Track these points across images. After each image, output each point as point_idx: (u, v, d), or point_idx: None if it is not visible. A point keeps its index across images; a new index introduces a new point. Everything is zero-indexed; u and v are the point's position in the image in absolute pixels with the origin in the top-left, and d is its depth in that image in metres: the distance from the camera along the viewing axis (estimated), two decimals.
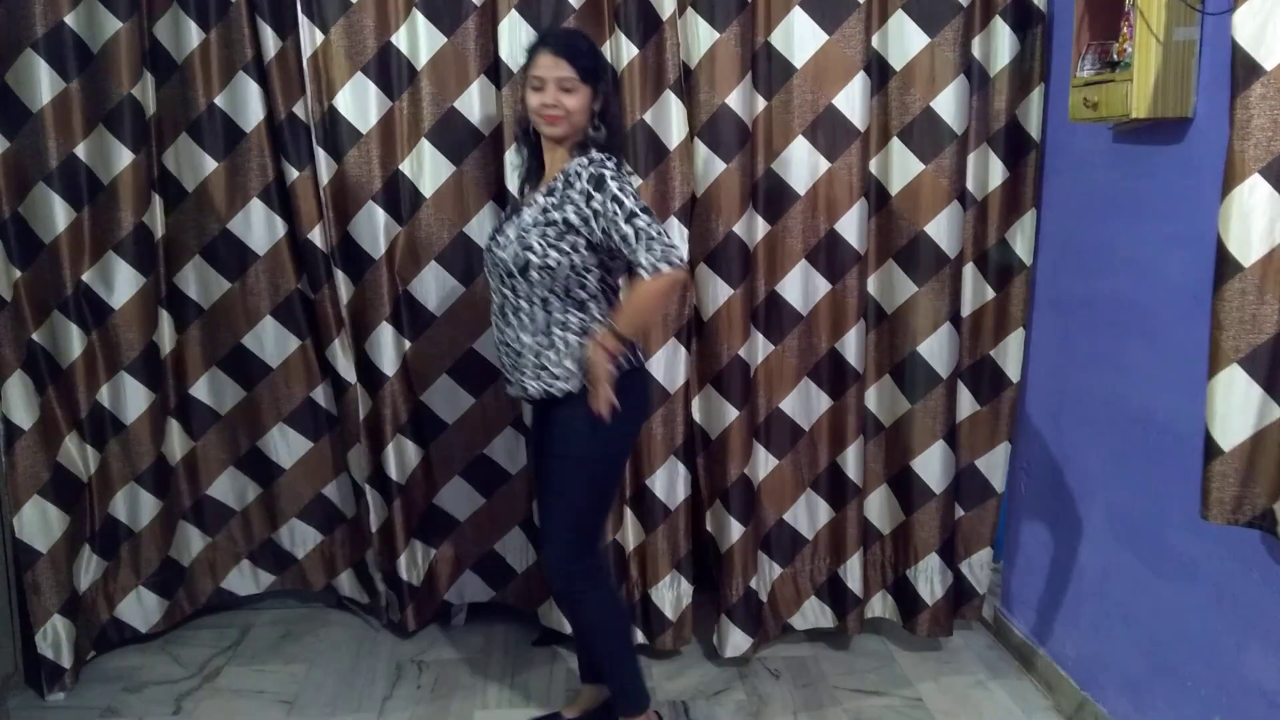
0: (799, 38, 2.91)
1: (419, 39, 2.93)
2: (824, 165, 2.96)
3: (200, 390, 3.22)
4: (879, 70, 2.97)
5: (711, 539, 3.13)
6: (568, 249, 2.32)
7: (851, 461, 3.11)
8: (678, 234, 2.89)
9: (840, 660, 3.17)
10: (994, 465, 3.21)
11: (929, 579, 3.16)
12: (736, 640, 3.07)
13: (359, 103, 2.94)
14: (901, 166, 3.01)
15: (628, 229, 2.23)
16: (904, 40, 2.95)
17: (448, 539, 3.26)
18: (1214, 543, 2.20)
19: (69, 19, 2.76)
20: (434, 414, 3.16)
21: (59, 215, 2.84)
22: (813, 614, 3.22)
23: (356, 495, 3.30)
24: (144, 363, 3.03)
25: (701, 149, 2.92)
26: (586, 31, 2.84)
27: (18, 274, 2.80)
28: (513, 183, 2.82)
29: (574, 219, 2.30)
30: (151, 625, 3.20)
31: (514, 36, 2.86)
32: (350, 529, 3.36)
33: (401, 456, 3.13)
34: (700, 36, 2.87)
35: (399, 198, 3.01)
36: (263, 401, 3.23)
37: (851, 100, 2.91)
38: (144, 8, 2.90)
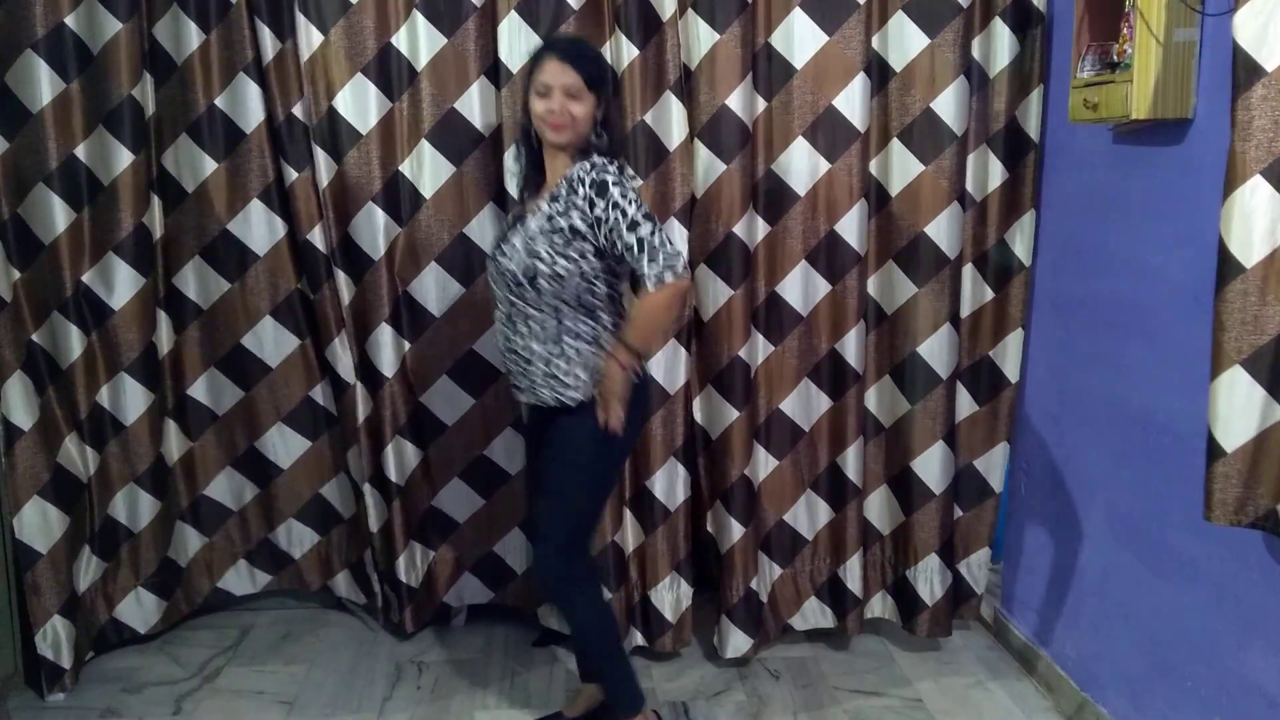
0: (799, 39, 2.91)
1: (419, 40, 2.93)
2: (824, 166, 2.96)
3: (198, 391, 3.23)
4: (879, 71, 2.98)
5: (712, 540, 3.13)
6: (576, 256, 2.32)
7: (851, 462, 3.11)
8: (678, 235, 2.89)
9: (840, 661, 3.18)
10: (992, 465, 3.22)
11: (929, 579, 3.16)
12: (737, 641, 3.07)
13: (359, 103, 2.94)
14: (901, 167, 3.01)
15: (630, 238, 2.24)
16: (904, 41, 2.95)
17: (447, 541, 3.26)
18: (1214, 543, 2.20)
19: (69, 20, 2.76)
20: (434, 415, 3.15)
21: (59, 216, 2.84)
22: (813, 614, 3.22)
23: (355, 495, 3.30)
24: (143, 363, 3.03)
25: (702, 150, 2.92)
26: (587, 32, 2.85)
27: (17, 275, 2.80)
28: (512, 185, 2.83)
29: (580, 225, 2.30)
30: (150, 626, 3.20)
31: (514, 38, 2.86)
32: (348, 529, 3.36)
33: (401, 458, 3.13)
34: (700, 37, 2.87)
35: (399, 199, 3.01)
36: (261, 401, 3.24)
37: (852, 101, 2.92)
38: (144, 9, 2.90)
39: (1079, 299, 2.83)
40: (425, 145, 2.98)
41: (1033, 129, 3.01)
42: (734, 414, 3.01)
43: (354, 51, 2.91)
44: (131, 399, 3.04)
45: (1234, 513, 1.85)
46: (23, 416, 2.80)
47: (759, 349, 3.06)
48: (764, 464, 3.13)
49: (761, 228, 2.99)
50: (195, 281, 3.14)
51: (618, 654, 2.64)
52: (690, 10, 2.86)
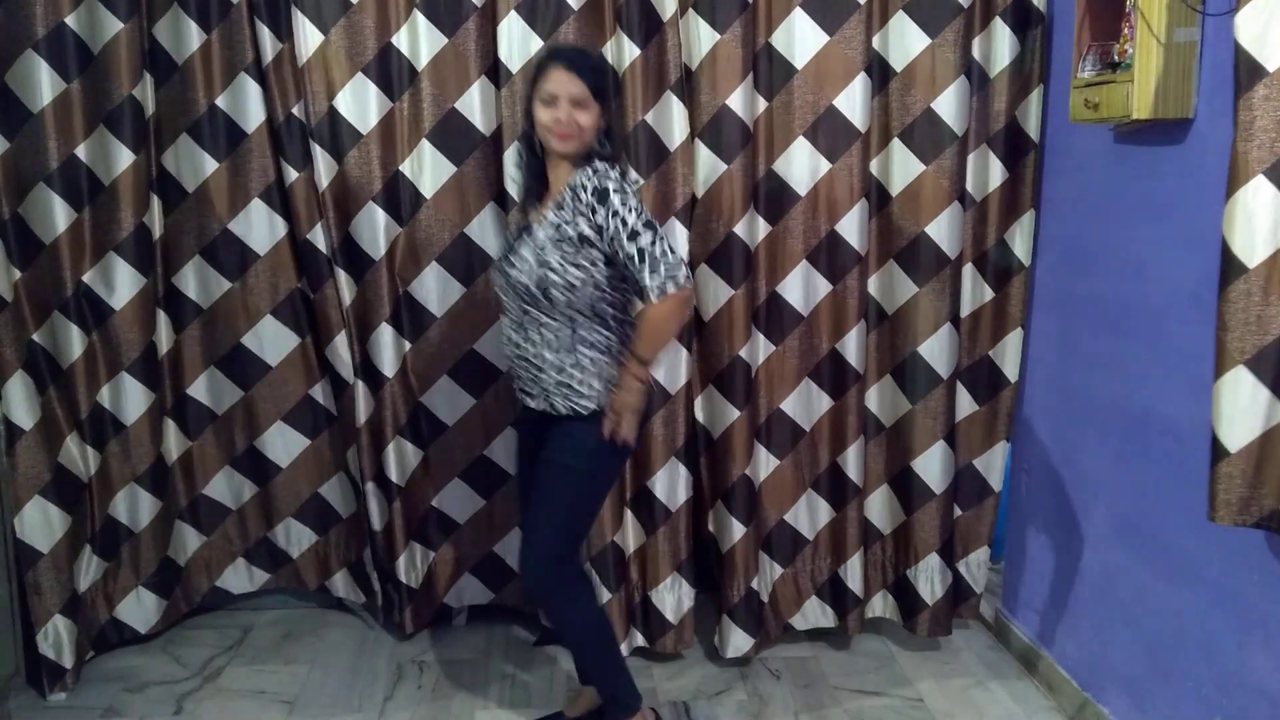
0: (800, 39, 2.91)
1: (419, 40, 2.93)
2: (825, 166, 2.96)
3: (198, 390, 3.23)
4: (880, 71, 2.98)
5: (713, 539, 3.13)
6: (587, 264, 2.31)
7: (852, 462, 3.11)
8: (679, 235, 2.89)
9: (841, 660, 3.18)
10: (992, 464, 3.23)
11: (929, 579, 3.16)
12: (738, 641, 3.07)
13: (359, 103, 2.94)
14: (902, 167, 3.01)
15: (631, 249, 2.23)
16: (905, 41, 2.95)
17: (447, 541, 3.26)
18: (1215, 543, 2.21)
19: (70, 20, 2.76)
20: (434, 415, 3.15)
21: (59, 216, 2.84)
22: (813, 614, 3.23)
23: (355, 494, 3.30)
24: (144, 363, 3.03)
25: (703, 150, 2.92)
26: (588, 32, 2.86)
27: (18, 274, 2.80)
28: (512, 186, 2.82)
29: (588, 231, 2.29)
30: (151, 626, 3.21)
31: (514, 38, 2.86)
32: (346, 529, 3.36)
33: (401, 458, 3.13)
34: (701, 37, 2.87)
35: (399, 198, 3.01)
36: (261, 400, 3.24)
37: (852, 101, 2.92)
38: (144, 8, 2.90)
39: (1080, 299, 2.83)
40: (426, 145, 2.98)
41: (1033, 129, 3.01)
42: (735, 414, 3.01)
43: (354, 51, 2.91)
44: (132, 399, 3.04)
45: (1238, 513, 1.85)
46: (24, 416, 2.80)
47: (760, 349, 3.06)
48: (765, 464, 3.13)
49: (762, 227, 2.99)
50: (195, 281, 3.15)
51: (612, 655, 2.63)
52: (691, 10, 2.87)
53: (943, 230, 2.99)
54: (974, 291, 3.12)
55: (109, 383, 3.01)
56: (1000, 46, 2.97)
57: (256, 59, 2.97)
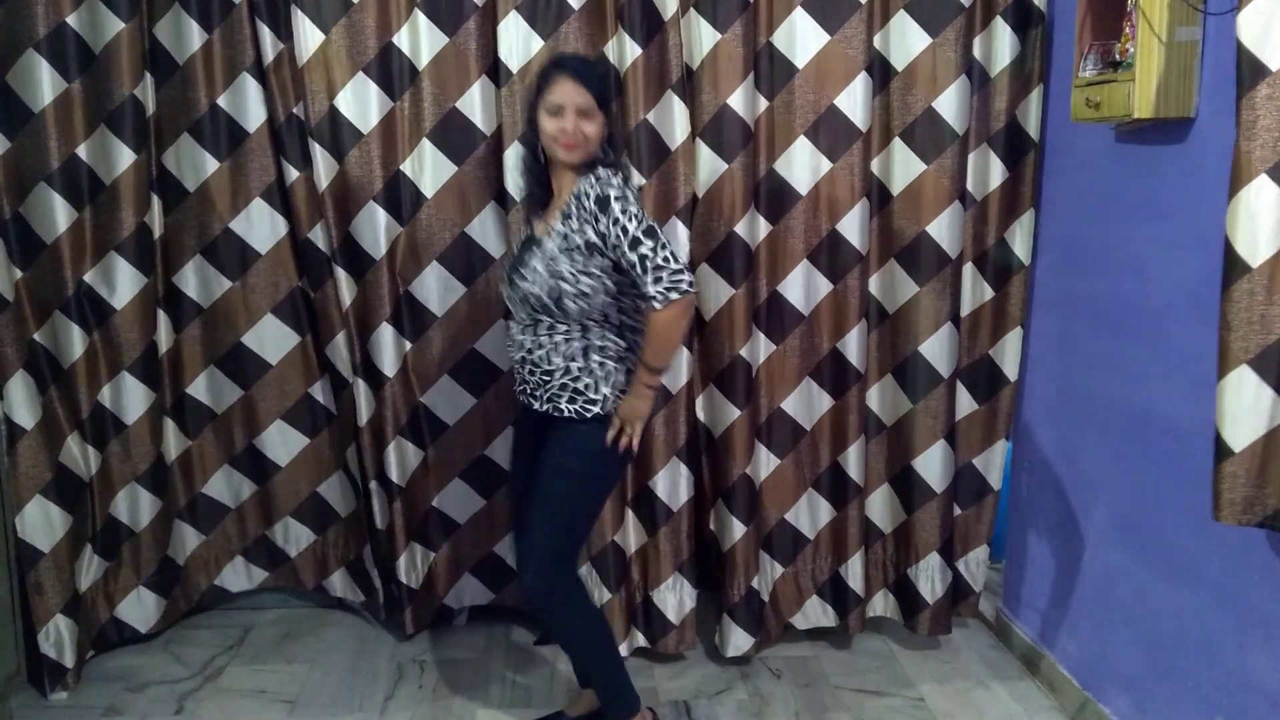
0: (801, 38, 2.91)
1: (420, 39, 2.93)
2: (825, 165, 2.96)
3: (197, 389, 3.23)
4: (881, 70, 2.98)
5: (714, 539, 3.13)
6: (597, 271, 2.32)
7: (853, 461, 3.11)
8: (680, 234, 2.89)
9: (842, 660, 3.18)
10: (991, 463, 3.23)
11: (930, 578, 3.16)
12: (738, 640, 3.07)
13: (360, 103, 2.94)
14: (903, 167, 3.01)
15: (633, 256, 2.24)
16: (905, 40, 2.95)
17: (447, 542, 3.25)
18: (1216, 543, 2.21)
19: (71, 19, 2.76)
20: (434, 415, 3.15)
21: (60, 215, 2.84)
22: (814, 613, 3.23)
23: (354, 493, 3.30)
24: (145, 363, 3.04)
25: (703, 149, 2.92)
26: (589, 32, 2.86)
27: (19, 274, 2.80)
28: (513, 185, 2.82)
29: (595, 239, 2.30)
30: (151, 625, 3.21)
31: (514, 37, 2.86)
32: (344, 528, 3.36)
33: (402, 458, 3.13)
34: (702, 37, 2.87)
35: (400, 198, 3.01)
36: (260, 399, 3.24)
37: (853, 100, 2.92)
38: (145, 8, 2.90)
39: (1081, 298, 2.83)
40: (426, 144, 2.98)
41: (1033, 128, 3.01)
42: (735, 413, 3.01)
43: (355, 51, 2.91)
44: (133, 398, 3.04)
45: (1242, 512, 1.85)
46: (25, 416, 2.80)
47: (760, 348, 3.06)
48: (765, 463, 3.13)
49: (763, 227, 2.99)
50: (196, 280, 3.15)
51: (611, 658, 2.62)
52: (692, 10, 2.87)
53: (943, 229, 2.99)
54: (974, 291, 3.12)
55: (110, 382, 3.02)
56: (1001, 46, 2.97)
57: (257, 59, 2.98)
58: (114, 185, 2.90)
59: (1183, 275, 2.33)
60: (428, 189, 3.00)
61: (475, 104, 2.97)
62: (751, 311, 3.01)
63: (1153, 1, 2.25)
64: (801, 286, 3.04)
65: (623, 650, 2.99)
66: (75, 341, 2.92)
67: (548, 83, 2.34)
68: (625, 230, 2.24)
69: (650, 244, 2.24)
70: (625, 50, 2.83)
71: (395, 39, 2.92)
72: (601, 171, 2.34)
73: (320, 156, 2.94)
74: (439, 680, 3.05)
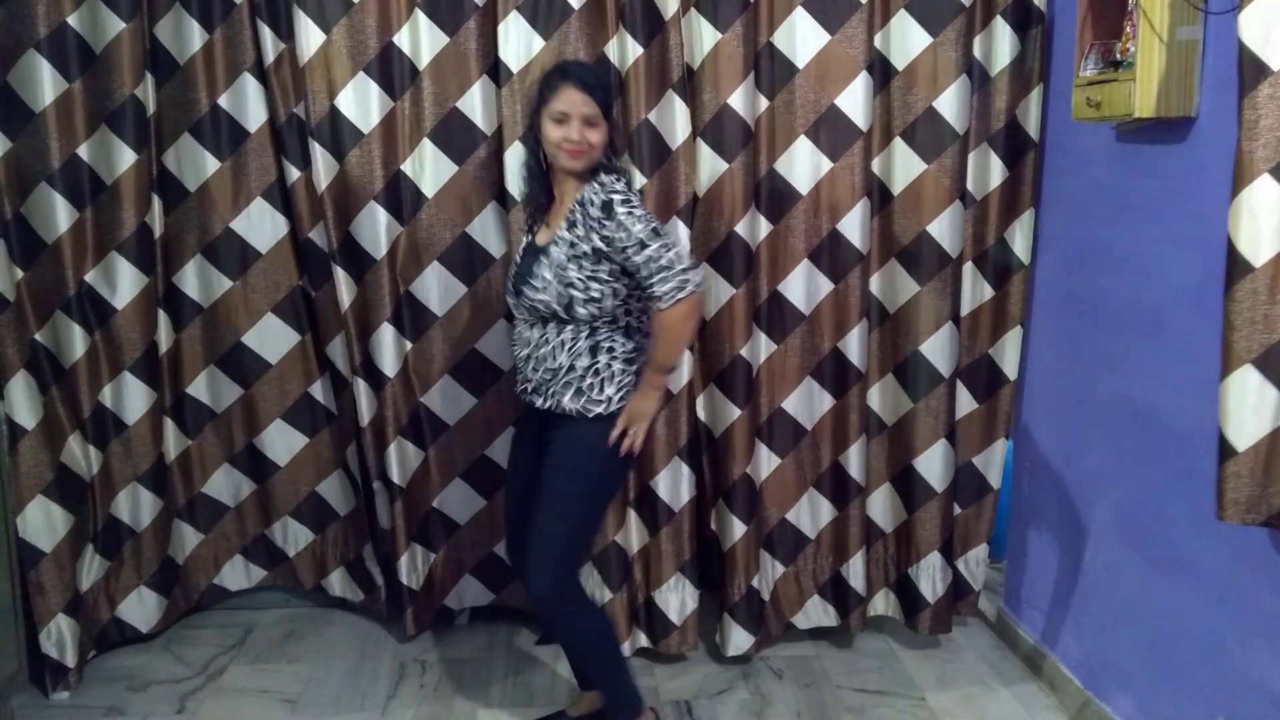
0: (801, 38, 2.91)
1: (421, 39, 2.93)
2: (826, 165, 2.96)
3: (197, 389, 3.23)
4: (881, 70, 2.98)
5: (714, 538, 3.13)
6: (606, 276, 2.33)
7: (854, 460, 3.11)
8: (681, 233, 2.89)
9: (843, 659, 3.18)
10: (991, 462, 3.23)
11: (931, 577, 3.16)
12: (738, 639, 3.07)
13: (361, 102, 2.94)
14: (904, 166, 3.01)
15: (638, 260, 2.26)
16: (906, 40, 2.95)
17: (447, 542, 3.25)
18: (1218, 542, 2.21)
19: (71, 19, 2.76)
20: (435, 415, 3.15)
21: (61, 215, 2.85)
22: (815, 613, 3.23)
23: (354, 491, 3.31)
24: (146, 362, 3.04)
25: (704, 149, 2.92)
26: (590, 31, 2.86)
27: (20, 274, 2.80)
28: (514, 186, 2.82)
29: (601, 245, 2.31)
30: (152, 625, 3.21)
31: (515, 37, 2.86)
32: (343, 527, 3.37)
33: (403, 458, 3.12)
34: (703, 37, 2.87)
35: (401, 198, 3.01)
36: (260, 398, 3.24)
37: (854, 100, 2.92)
38: (145, 8, 2.90)
39: (1082, 298, 2.83)
40: (427, 144, 2.98)
41: (1033, 128, 3.01)
42: (736, 412, 3.01)
43: (356, 50, 2.91)
44: (134, 398, 3.05)
45: (1246, 511, 1.85)
46: (26, 416, 2.80)
47: (761, 348, 3.06)
48: (766, 462, 3.13)
49: (764, 226, 2.99)
50: (196, 280, 3.15)
51: (616, 659, 2.62)
52: (693, 9, 2.87)
53: (944, 229, 2.99)
54: (974, 290, 3.13)
55: (111, 382, 3.02)
56: (1001, 45, 2.97)
57: (258, 59, 2.98)
58: (115, 185, 2.90)
59: (1183, 274, 2.33)
60: (428, 189, 3.00)
61: (476, 104, 2.97)
62: (752, 311, 3.01)
63: (1154, 1, 2.25)
64: (802, 286, 3.04)
65: (624, 650, 2.99)
66: (76, 341, 2.92)
67: (553, 90, 2.34)
68: (631, 233, 2.26)
69: (657, 245, 2.25)
70: (626, 50, 2.83)
71: (396, 39, 2.92)
72: (605, 178, 2.35)
73: (321, 156, 2.93)
74: (441, 679, 3.06)
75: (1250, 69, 1.75)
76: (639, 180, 2.86)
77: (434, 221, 3.01)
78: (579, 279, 2.32)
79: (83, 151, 2.84)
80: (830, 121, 2.94)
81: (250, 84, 3.02)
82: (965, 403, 3.18)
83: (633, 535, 3.06)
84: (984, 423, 3.21)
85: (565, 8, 2.85)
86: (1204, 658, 2.29)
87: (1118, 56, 2.45)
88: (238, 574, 3.40)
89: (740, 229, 2.93)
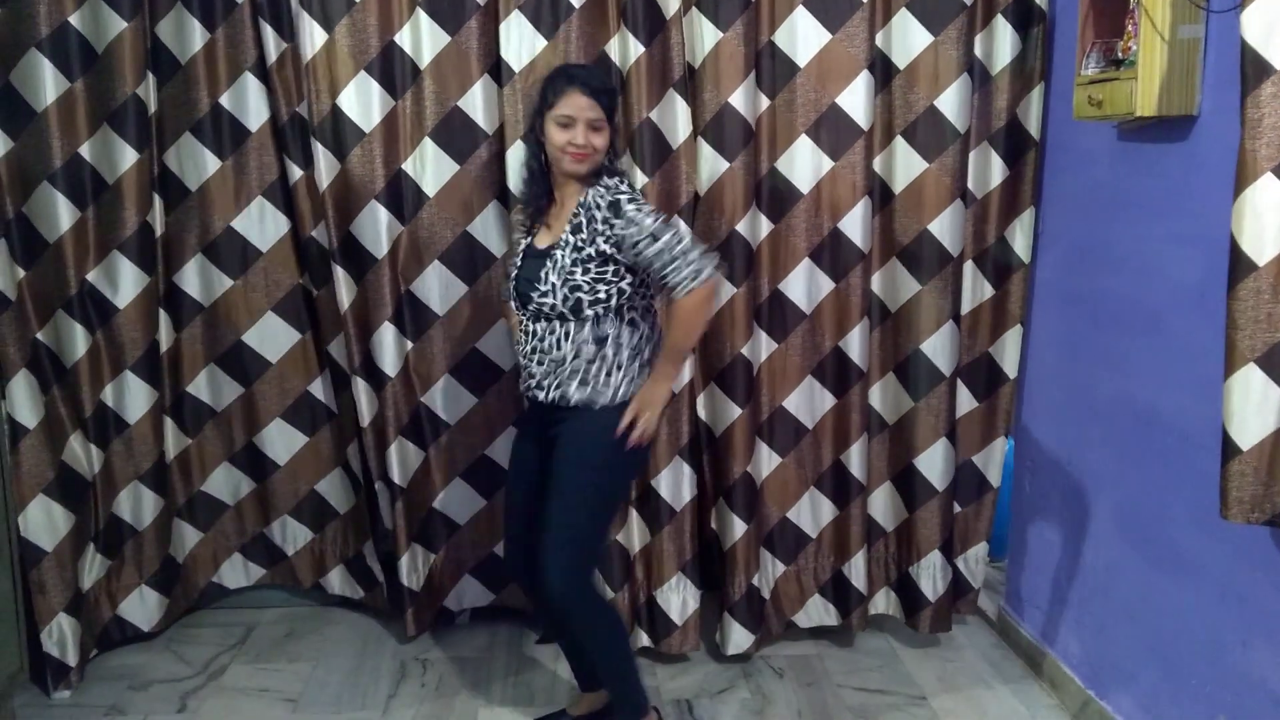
0: (802, 37, 2.91)
1: (422, 38, 2.93)
2: (827, 164, 2.96)
3: (198, 387, 3.24)
4: (882, 69, 2.98)
5: (715, 537, 3.13)
6: (612, 278, 2.34)
7: (855, 459, 3.11)
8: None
9: (844, 658, 3.18)
10: (991, 460, 3.24)
11: (931, 575, 3.16)
12: (738, 638, 3.07)
13: (362, 102, 2.94)
14: (905, 165, 3.01)
15: (651, 253, 2.27)
16: (907, 39, 2.95)
17: (447, 543, 3.25)
18: (1219, 541, 2.21)
19: (73, 19, 2.77)
20: (435, 415, 3.15)
21: (63, 215, 2.85)
22: (816, 612, 3.23)
23: (354, 489, 3.31)
24: (147, 361, 3.04)
25: (705, 148, 2.92)
26: (591, 30, 2.86)
27: (22, 273, 2.80)
28: (515, 185, 2.82)
29: (607, 248, 2.32)
30: (153, 623, 3.21)
31: (517, 36, 2.86)
32: (342, 525, 3.37)
33: (403, 459, 3.12)
34: (704, 36, 2.87)
35: (402, 197, 3.01)
36: (260, 397, 3.25)
37: (855, 99, 2.92)
38: (147, 8, 2.90)
39: (1083, 297, 2.83)
40: (428, 143, 2.98)
41: (1033, 127, 3.01)
42: (736, 411, 3.01)
43: (357, 50, 2.91)
44: (135, 397, 3.05)
45: (1250, 510, 1.85)
46: (28, 415, 2.80)
47: (762, 346, 3.06)
48: (767, 461, 3.13)
49: (765, 225, 3.00)
50: (197, 279, 3.15)
51: (626, 657, 2.61)
52: (694, 8, 2.87)
53: (945, 228, 2.99)
54: (974, 289, 3.13)
55: (112, 381, 3.02)
56: (1002, 44, 2.97)
57: (260, 58, 2.99)
58: (117, 184, 2.90)
59: (1185, 273, 2.33)
60: (429, 188, 3.00)
61: (477, 103, 2.97)
62: (753, 310, 3.01)
63: None
64: (803, 285, 3.04)
65: None
66: (78, 340, 2.93)
67: (558, 94, 2.34)
68: (642, 227, 2.28)
69: (669, 235, 2.28)
70: (628, 49, 2.83)
71: (397, 38, 2.92)
72: (609, 180, 2.37)
73: (322, 155, 2.93)
74: (442, 678, 3.06)
75: (1253, 68, 1.75)
76: (640, 179, 2.86)
77: (435, 221, 3.01)
78: (585, 281, 2.33)
79: (84, 151, 2.84)
80: (831, 120, 2.94)
81: (251, 83, 3.02)
82: (965, 401, 3.18)
83: (634, 535, 3.06)
84: (984, 421, 3.21)
85: (566, 7, 2.85)
86: (1205, 657, 2.29)
87: (1119, 55, 2.45)
88: (236, 572, 3.40)
89: (741, 228, 2.93)
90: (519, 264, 2.49)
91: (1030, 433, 3.15)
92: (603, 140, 2.36)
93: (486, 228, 3.04)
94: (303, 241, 3.10)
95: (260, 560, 3.40)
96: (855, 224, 2.98)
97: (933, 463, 3.11)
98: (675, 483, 3.01)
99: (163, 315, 3.13)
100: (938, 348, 3.06)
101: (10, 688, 2.85)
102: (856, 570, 3.16)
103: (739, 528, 3.04)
